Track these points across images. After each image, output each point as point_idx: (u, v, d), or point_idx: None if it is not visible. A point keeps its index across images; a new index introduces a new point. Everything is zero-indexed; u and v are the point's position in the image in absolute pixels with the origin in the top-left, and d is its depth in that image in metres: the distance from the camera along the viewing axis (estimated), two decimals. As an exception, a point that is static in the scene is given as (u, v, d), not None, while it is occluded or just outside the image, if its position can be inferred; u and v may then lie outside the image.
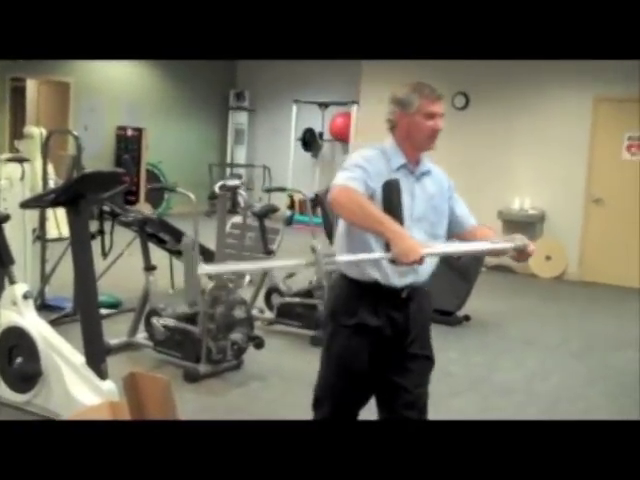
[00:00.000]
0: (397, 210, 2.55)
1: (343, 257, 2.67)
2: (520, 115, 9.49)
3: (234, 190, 4.69)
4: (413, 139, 2.75)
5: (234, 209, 7.97)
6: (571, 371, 5.51)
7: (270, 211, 6.23)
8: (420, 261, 2.47)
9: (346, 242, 2.77)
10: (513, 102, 9.48)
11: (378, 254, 2.58)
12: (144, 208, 10.95)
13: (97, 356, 3.98)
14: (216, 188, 4.60)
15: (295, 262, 2.58)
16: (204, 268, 2.55)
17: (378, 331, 2.77)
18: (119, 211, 5.89)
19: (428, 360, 2.95)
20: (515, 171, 9.62)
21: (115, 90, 12.20)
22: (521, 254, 2.69)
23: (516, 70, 9.18)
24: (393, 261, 2.49)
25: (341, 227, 2.82)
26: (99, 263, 6.24)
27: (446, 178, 2.94)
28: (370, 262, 2.68)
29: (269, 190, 7.70)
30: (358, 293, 2.78)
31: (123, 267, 6.67)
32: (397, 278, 2.72)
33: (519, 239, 2.66)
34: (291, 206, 12.48)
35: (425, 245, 2.53)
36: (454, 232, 2.92)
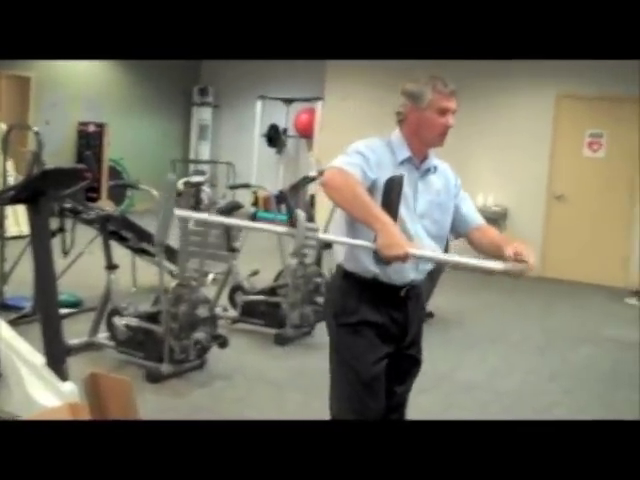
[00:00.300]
0: (394, 207, 2.45)
1: (326, 235, 2.59)
2: (483, 112, 9.55)
3: (198, 187, 4.63)
4: (422, 135, 2.66)
5: (197, 206, 7.91)
6: (533, 367, 5.56)
7: (234, 208, 6.19)
8: (404, 258, 2.36)
9: (346, 229, 2.66)
10: (477, 99, 9.52)
11: (362, 241, 2.49)
12: (106, 205, 10.79)
13: (57, 357, 3.90)
14: (179, 185, 4.54)
15: (278, 228, 2.57)
16: (180, 212, 2.57)
17: (383, 327, 2.68)
18: (80, 208, 5.80)
19: (418, 363, 2.91)
20: (478, 168, 9.68)
21: (77, 85, 12.03)
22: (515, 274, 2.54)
23: (480, 68, 9.22)
24: (376, 253, 2.41)
25: (341, 213, 2.71)
26: (60, 261, 6.17)
27: (453, 175, 2.85)
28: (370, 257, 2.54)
29: (233, 187, 7.65)
30: (358, 290, 2.68)
31: (84, 265, 6.57)
32: (396, 275, 2.63)
33: (516, 265, 2.46)
34: (255, 203, 12.43)
35: (413, 245, 2.43)
36: (459, 231, 2.85)
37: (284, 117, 12.71)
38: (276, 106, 12.68)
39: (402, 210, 2.55)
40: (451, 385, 5.09)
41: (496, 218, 9.46)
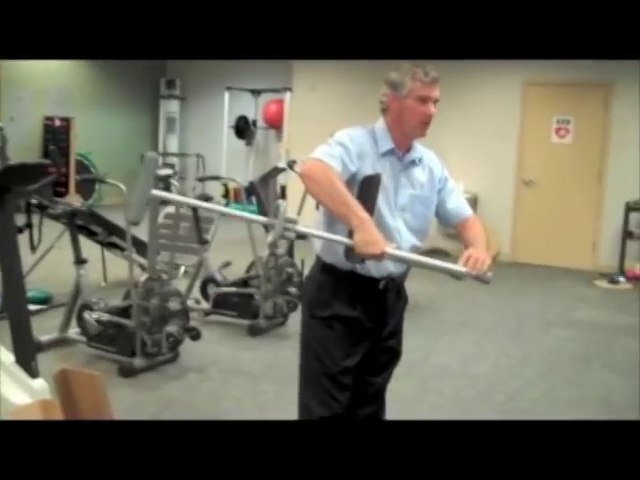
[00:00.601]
0: (370, 206, 2.40)
1: (304, 228, 2.46)
2: (452, 99, 9.54)
3: (166, 180, 4.59)
4: (404, 124, 2.61)
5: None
6: (505, 352, 5.60)
7: (203, 200, 6.13)
8: (380, 257, 2.31)
9: (324, 222, 2.62)
10: (444, 86, 9.46)
11: (338, 237, 2.41)
12: (74, 200, 10.68)
13: (27, 354, 3.84)
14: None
15: (260, 218, 2.58)
16: (157, 192, 2.55)
17: (356, 322, 2.64)
18: (47, 203, 5.73)
19: (398, 355, 2.90)
20: (447, 155, 9.66)
21: (42, 80, 11.87)
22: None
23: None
24: (348, 249, 2.37)
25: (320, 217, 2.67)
26: (28, 257, 6.09)
27: (440, 167, 2.79)
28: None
29: (202, 179, 7.59)
30: (333, 282, 2.64)
31: (53, 261, 6.51)
32: (375, 268, 2.57)
33: (483, 272, 2.49)
34: (226, 195, 12.37)
35: (389, 244, 2.36)
36: (447, 223, 2.80)
37: (253, 108, 12.66)
38: (244, 97, 12.62)
39: (382, 204, 2.54)
40: (425, 371, 5.11)
41: (466, 205, 9.51)
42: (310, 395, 2.73)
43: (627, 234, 8.48)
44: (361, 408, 2.83)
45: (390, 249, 2.34)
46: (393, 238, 2.56)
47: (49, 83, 11.99)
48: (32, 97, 11.68)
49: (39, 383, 3.83)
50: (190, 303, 6.17)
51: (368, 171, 2.52)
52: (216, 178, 7.12)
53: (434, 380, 4.94)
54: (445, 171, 2.82)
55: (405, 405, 4.45)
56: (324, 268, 2.67)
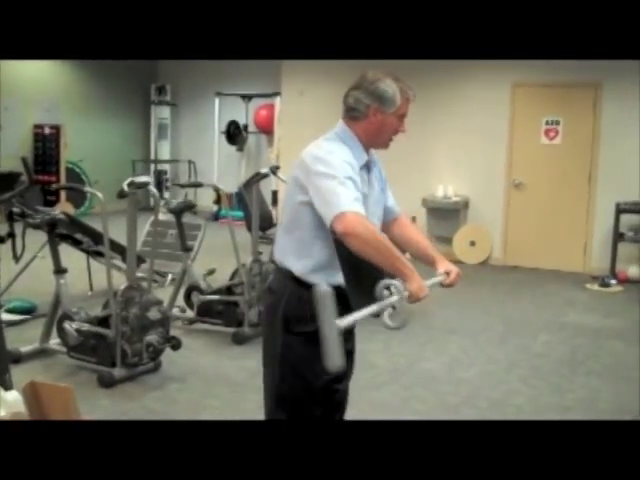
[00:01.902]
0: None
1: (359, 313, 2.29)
2: (441, 102, 9.53)
3: (144, 187, 4.54)
4: (378, 137, 2.59)
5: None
6: (491, 357, 5.55)
7: (186, 207, 6.09)
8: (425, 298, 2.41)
9: (290, 243, 2.58)
10: (433, 89, 9.51)
11: (395, 297, 2.33)
12: (65, 208, 10.66)
13: (0, 366, 3.80)
14: (124, 186, 4.45)
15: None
16: (343, 321, 2.19)
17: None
18: (30, 212, 5.69)
19: (352, 356, 2.86)
20: (437, 158, 9.68)
21: (31, 88, 11.82)
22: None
23: (435, 60, 9.23)
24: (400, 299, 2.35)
25: (283, 227, 2.62)
26: (11, 267, 6.05)
27: (380, 164, 2.79)
28: (337, 265, 2.46)
29: (183, 186, 7.55)
30: (312, 296, 2.49)
31: (38, 270, 6.47)
32: (341, 276, 2.53)
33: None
34: (217, 201, 12.32)
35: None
36: (383, 221, 2.79)
37: (244, 113, 12.61)
38: (235, 102, 12.58)
39: None
40: (410, 378, 5.05)
41: (457, 208, 9.48)
42: (283, 414, 2.66)
43: (618, 236, 8.42)
44: (328, 414, 2.78)
45: (428, 284, 2.47)
46: None
47: (38, 92, 11.93)
48: (20, 105, 11.62)
49: (13, 395, 3.78)
50: (175, 311, 6.14)
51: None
52: (198, 185, 7.08)
53: (419, 387, 4.89)
54: (383, 169, 2.82)
55: (388, 412, 4.41)
56: (299, 281, 2.57)
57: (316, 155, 2.49)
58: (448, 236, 9.55)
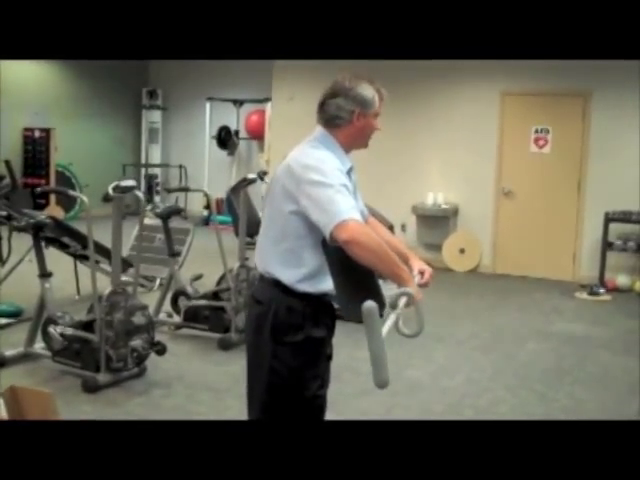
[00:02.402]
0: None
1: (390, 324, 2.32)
2: (430, 110, 9.55)
3: (129, 191, 4.52)
4: (360, 139, 2.62)
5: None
6: (477, 366, 5.54)
7: (173, 212, 6.08)
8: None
9: (279, 253, 2.54)
10: (423, 97, 9.53)
11: (400, 306, 2.35)
12: (54, 212, 10.62)
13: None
14: (110, 189, 4.43)
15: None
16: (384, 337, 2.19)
17: (322, 342, 2.60)
18: (16, 215, 5.66)
19: (330, 360, 2.81)
20: (427, 166, 9.68)
21: (21, 91, 11.76)
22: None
23: (424, 65, 9.22)
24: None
25: (268, 237, 2.59)
26: (-4, 271, 6.02)
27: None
28: (326, 273, 2.47)
29: (170, 190, 7.53)
30: (300, 305, 2.54)
31: (25, 274, 6.43)
32: (327, 284, 2.54)
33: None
34: (207, 206, 12.30)
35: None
36: None
37: (235, 119, 12.60)
38: (226, 108, 12.57)
39: None
40: (395, 386, 5.02)
41: (447, 216, 9.49)
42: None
43: (607, 245, 8.45)
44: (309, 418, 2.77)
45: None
46: None
47: (28, 95, 11.88)
48: (10, 109, 11.56)
49: (-6, 400, 3.77)
50: (162, 316, 6.12)
51: None
52: (185, 189, 7.07)
53: (403, 395, 4.87)
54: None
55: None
56: (288, 291, 2.54)
57: (307, 164, 2.46)
58: (438, 243, 9.55)
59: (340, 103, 2.55)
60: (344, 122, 2.56)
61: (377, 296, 2.31)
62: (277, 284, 2.55)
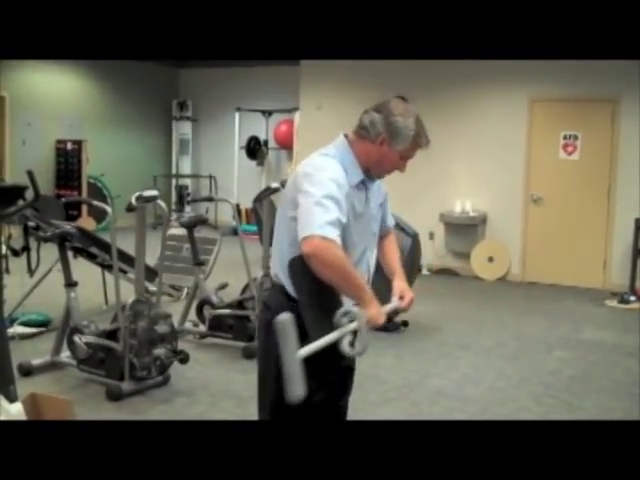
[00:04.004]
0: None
1: (331, 336, 2.35)
2: (458, 118, 9.51)
3: (152, 201, 4.57)
4: (376, 166, 2.56)
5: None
6: (502, 374, 5.48)
7: (198, 222, 6.12)
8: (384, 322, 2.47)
9: (282, 259, 2.55)
10: (451, 105, 9.50)
11: (354, 324, 2.37)
12: (86, 223, 10.76)
13: (5, 378, 3.83)
14: (132, 199, 4.48)
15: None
16: (303, 351, 2.20)
17: (330, 351, 2.53)
18: (44, 226, 5.74)
19: (353, 372, 2.84)
20: (455, 174, 9.64)
21: (54, 104, 11.99)
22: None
23: (452, 72, 9.21)
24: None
25: (277, 243, 2.61)
26: (27, 281, 6.11)
27: (382, 181, 2.77)
28: None
29: (194, 200, 7.60)
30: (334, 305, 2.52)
31: (54, 284, 6.51)
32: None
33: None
34: (239, 216, 12.37)
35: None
36: None
37: (264, 129, 12.68)
38: (255, 118, 12.66)
39: (355, 236, 2.54)
40: (418, 394, 5.01)
41: (475, 224, 9.43)
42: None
43: (638, 252, 8.32)
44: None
45: (384, 310, 2.51)
46: (363, 263, 2.64)
47: (60, 107, 12.10)
48: (43, 121, 11.78)
49: (16, 408, 3.81)
50: (188, 325, 6.16)
51: (349, 207, 2.49)
52: (210, 199, 7.09)
53: (426, 403, 4.84)
54: (383, 184, 2.80)
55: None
56: (291, 297, 2.56)
57: (305, 171, 2.49)
58: (466, 252, 9.49)
59: (376, 119, 2.52)
60: (368, 137, 2.54)
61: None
62: (283, 290, 2.57)
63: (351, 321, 2.36)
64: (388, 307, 2.64)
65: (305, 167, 2.52)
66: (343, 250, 2.39)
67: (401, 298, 2.70)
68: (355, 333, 2.38)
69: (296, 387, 2.14)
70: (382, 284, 2.91)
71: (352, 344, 2.37)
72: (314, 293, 2.44)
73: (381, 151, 2.53)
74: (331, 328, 2.36)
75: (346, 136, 2.62)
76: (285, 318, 2.14)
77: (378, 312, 2.43)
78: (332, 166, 2.49)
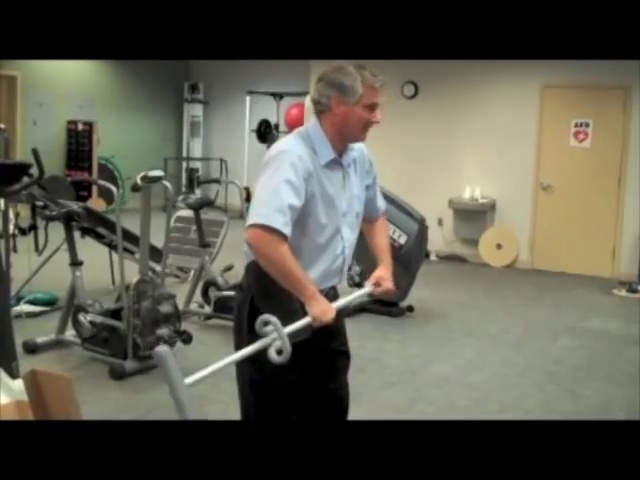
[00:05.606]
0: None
1: (284, 329, 2.31)
2: (469, 103, 9.45)
3: (157, 181, 4.57)
4: (347, 130, 2.49)
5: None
6: (506, 361, 5.47)
7: (204, 204, 6.13)
8: (335, 319, 2.43)
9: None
10: (462, 90, 9.44)
11: (304, 320, 2.39)
12: (97, 204, 10.78)
13: (7, 355, 3.86)
14: (138, 179, 4.48)
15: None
16: (188, 380, 2.16)
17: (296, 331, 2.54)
18: (52, 205, 5.77)
19: (347, 356, 2.82)
20: (465, 160, 9.59)
21: (65, 84, 12.00)
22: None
23: (462, 61, 9.15)
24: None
25: None
26: (35, 259, 6.14)
27: (369, 161, 2.71)
28: (308, 263, 2.49)
29: (202, 182, 7.59)
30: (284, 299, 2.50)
31: (61, 263, 6.53)
32: (324, 280, 2.57)
33: (376, 289, 2.71)
34: (247, 199, 12.35)
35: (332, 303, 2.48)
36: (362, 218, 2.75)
37: (275, 112, 12.64)
38: (266, 101, 12.62)
39: (323, 217, 2.49)
40: (421, 379, 5.01)
41: (484, 210, 9.39)
42: (253, 412, 2.75)
43: (647, 241, 8.28)
44: (325, 415, 2.77)
45: (335, 306, 2.48)
46: (337, 245, 2.58)
47: (72, 88, 12.10)
48: (54, 102, 11.80)
49: (18, 384, 3.84)
50: (193, 307, 6.18)
51: (315, 188, 2.45)
52: (216, 181, 7.09)
53: (429, 389, 4.84)
54: (374, 165, 2.75)
55: (394, 414, 4.37)
56: (262, 273, 2.51)
57: (269, 154, 2.48)
58: (474, 238, 9.46)
59: (321, 88, 2.50)
60: (324, 108, 2.50)
61: (287, 313, 2.39)
62: (254, 268, 2.56)
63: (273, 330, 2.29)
64: (356, 294, 2.68)
65: (270, 150, 2.51)
66: (305, 235, 2.44)
67: (377, 285, 2.68)
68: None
69: (187, 415, 2.09)
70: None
71: (280, 352, 2.28)
72: (269, 296, 2.47)
73: (341, 112, 2.47)
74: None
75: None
76: (162, 350, 2.10)
77: (322, 309, 2.39)
78: (297, 147, 2.45)
